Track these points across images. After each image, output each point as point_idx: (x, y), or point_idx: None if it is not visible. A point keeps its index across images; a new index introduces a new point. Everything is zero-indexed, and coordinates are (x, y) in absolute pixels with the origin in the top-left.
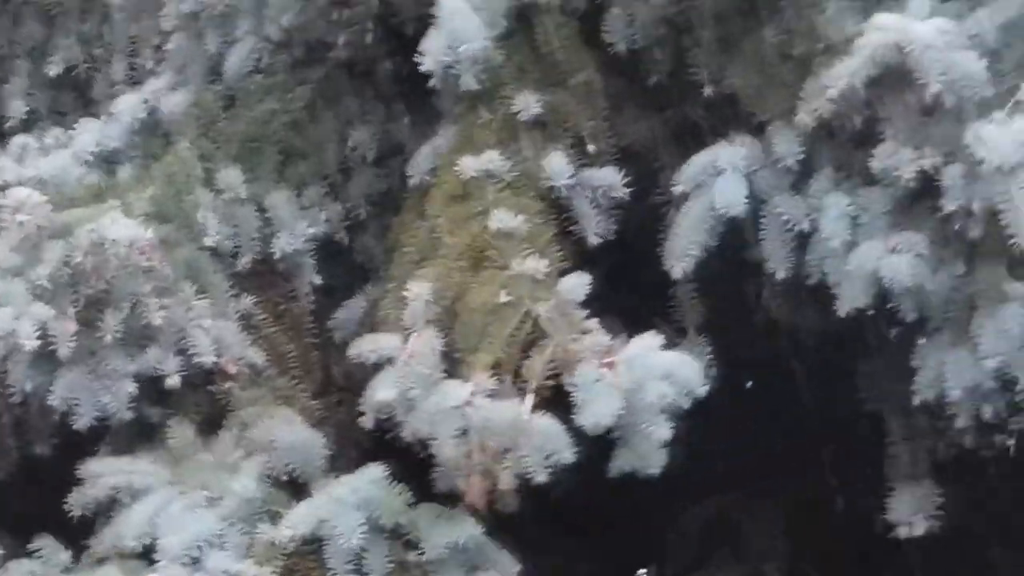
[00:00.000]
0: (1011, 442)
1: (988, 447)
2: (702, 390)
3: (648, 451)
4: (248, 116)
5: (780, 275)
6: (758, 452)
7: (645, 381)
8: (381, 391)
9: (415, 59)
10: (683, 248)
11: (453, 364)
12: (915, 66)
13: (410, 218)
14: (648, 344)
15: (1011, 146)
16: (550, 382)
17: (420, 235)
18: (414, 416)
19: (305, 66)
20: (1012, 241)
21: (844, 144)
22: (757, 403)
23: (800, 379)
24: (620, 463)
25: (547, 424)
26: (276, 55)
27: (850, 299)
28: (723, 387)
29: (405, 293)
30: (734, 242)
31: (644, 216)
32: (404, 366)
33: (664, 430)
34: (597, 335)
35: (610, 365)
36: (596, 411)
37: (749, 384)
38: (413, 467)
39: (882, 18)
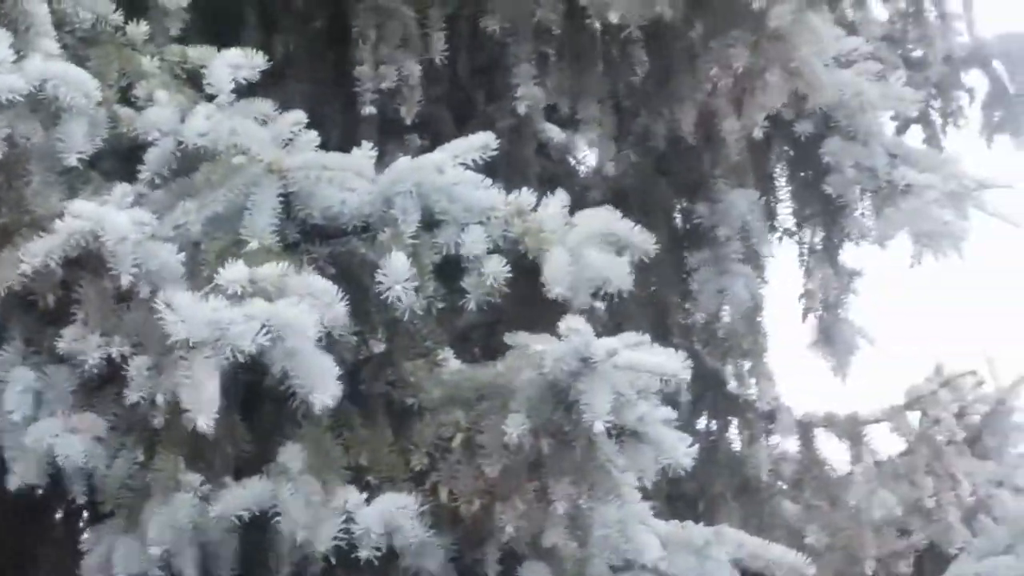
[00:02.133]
0: None
1: None
2: None
3: None
4: None
5: None
6: None
7: None
8: None
9: None
10: None
11: None
12: (109, 256)
13: None
14: None
15: (201, 321)
16: None
17: None
18: None
19: None
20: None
21: (37, 319)
22: None
23: None
24: None
25: None
26: None
27: (22, 474)
28: None
29: None
30: None
31: None
32: None
33: None
34: None
35: None
36: None
37: None
38: None
39: (79, 205)
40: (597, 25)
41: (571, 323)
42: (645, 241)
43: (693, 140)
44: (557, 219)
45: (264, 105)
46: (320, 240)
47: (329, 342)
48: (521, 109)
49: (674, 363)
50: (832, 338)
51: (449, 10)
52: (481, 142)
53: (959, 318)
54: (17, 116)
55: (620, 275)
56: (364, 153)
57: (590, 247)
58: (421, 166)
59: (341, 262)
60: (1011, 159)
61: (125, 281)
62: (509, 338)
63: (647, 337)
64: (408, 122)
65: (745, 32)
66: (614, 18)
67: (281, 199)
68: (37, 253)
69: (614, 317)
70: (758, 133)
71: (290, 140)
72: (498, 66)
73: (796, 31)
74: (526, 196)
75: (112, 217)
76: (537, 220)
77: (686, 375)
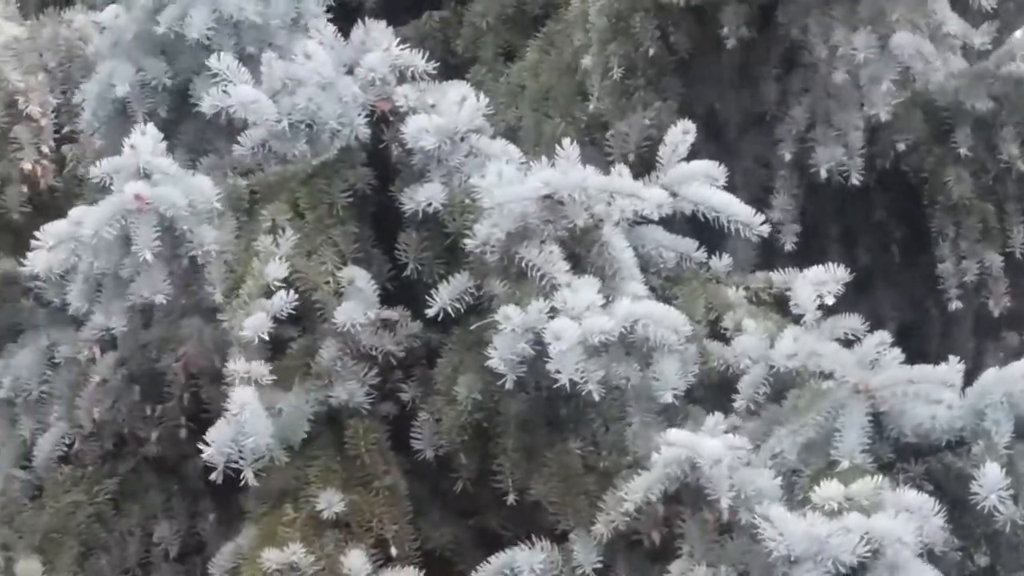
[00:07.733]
0: None
1: None
2: None
3: None
4: (53, 507)
5: None
6: None
7: None
8: None
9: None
10: None
11: None
12: (706, 482)
13: None
14: None
15: (801, 536)
16: None
17: None
18: None
19: (114, 458)
20: None
21: (642, 557)
22: None
23: None
24: None
25: None
26: (86, 444)
27: None
28: None
29: None
30: None
31: None
32: None
33: None
34: None
35: None
36: None
37: None
38: None
39: (674, 434)
40: None
41: None
42: None
43: None
44: None
45: (851, 321)
46: (915, 458)
47: (930, 557)
48: None
49: None
50: None
51: None
52: None
53: None
54: (612, 359)
55: None
56: (952, 365)
57: None
58: (1009, 377)
59: (936, 478)
60: None
61: (725, 503)
62: None
63: None
64: (996, 314)
65: None
66: None
67: (870, 419)
68: (638, 489)
69: None
70: None
71: (875, 360)
72: None
73: None
74: None
75: (706, 443)
76: None
77: None
